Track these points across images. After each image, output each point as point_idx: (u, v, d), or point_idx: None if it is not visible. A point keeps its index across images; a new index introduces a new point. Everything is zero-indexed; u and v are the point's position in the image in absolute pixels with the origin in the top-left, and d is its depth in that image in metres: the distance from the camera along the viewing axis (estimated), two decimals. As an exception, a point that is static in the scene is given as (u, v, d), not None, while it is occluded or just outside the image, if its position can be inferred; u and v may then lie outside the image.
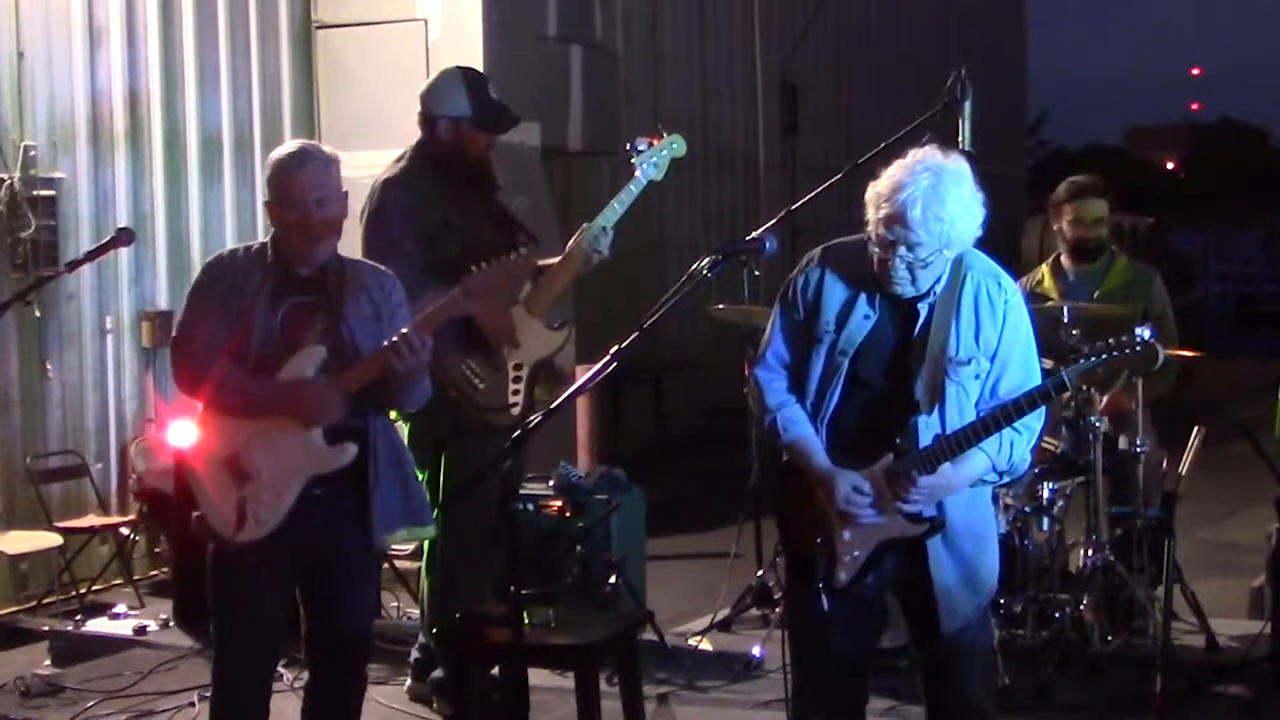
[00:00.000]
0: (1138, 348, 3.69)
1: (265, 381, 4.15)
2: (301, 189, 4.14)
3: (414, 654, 5.74)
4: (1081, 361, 3.73)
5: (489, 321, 5.30)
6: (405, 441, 5.41)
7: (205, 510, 4.21)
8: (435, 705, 5.59)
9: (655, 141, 5.51)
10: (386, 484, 4.27)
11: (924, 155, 3.73)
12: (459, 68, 5.73)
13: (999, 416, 3.73)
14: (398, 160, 5.56)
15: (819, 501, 3.87)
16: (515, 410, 5.43)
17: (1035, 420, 3.82)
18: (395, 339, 4.09)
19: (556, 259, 5.51)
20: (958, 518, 3.85)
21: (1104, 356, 3.71)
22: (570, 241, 5.50)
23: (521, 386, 5.47)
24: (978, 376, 3.81)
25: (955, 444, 3.75)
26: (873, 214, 3.74)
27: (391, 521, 4.30)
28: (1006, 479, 3.99)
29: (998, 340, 3.82)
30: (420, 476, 5.39)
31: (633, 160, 5.50)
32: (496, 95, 5.63)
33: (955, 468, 3.78)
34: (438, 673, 5.57)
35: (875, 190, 3.74)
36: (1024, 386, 3.78)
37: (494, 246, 5.46)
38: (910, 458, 3.77)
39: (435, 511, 5.46)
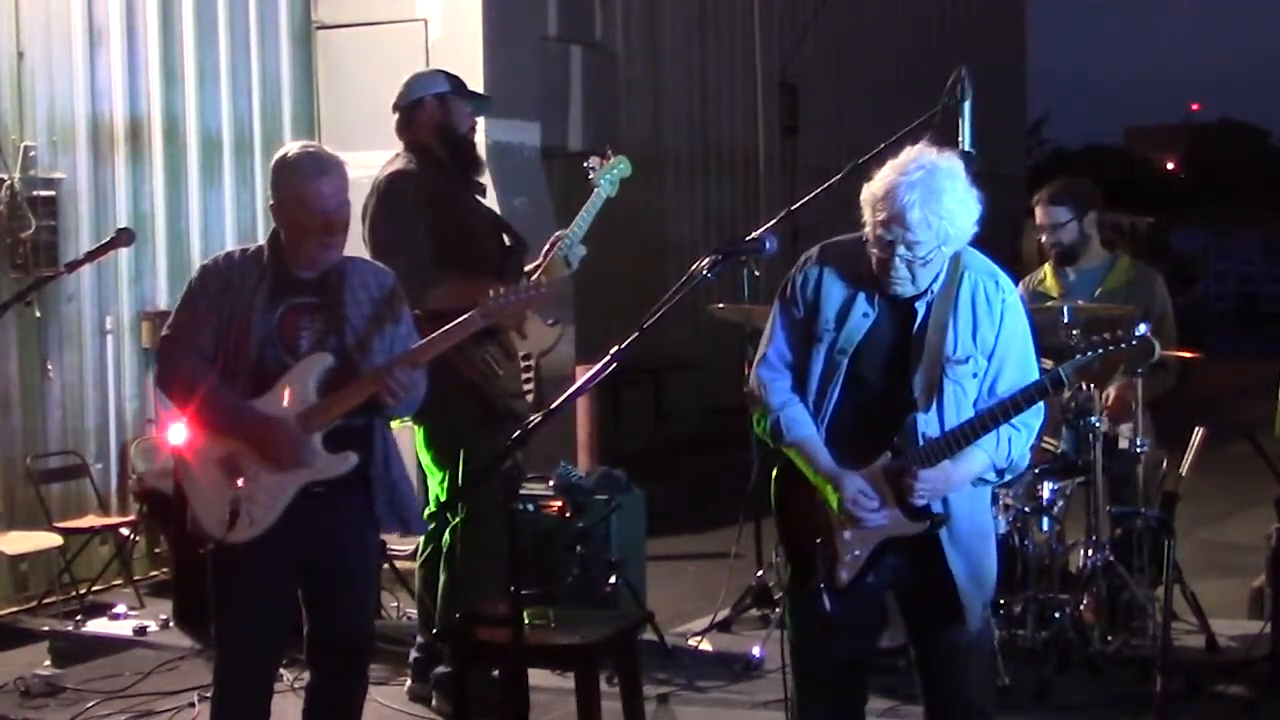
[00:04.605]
0: (1134, 342, 3.70)
1: (240, 410, 4.12)
2: (324, 197, 4.12)
3: (414, 654, 5.74)
4: (1078, 357, 3.74)
5: None
6: (421, 444, 5.47)
7: (197, 509, 4.20)
8: (435, 704, 5.58)
9: (604, 162, 5.70)
10: (385, 485, 4.27)
11: (916, 154, 3.74)
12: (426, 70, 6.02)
13: (996, 413, 3.74)
14: (395, 159, 5.60)
15: (819, 502, 3.87)
16: (530, 398, 5.54)
17: (1033, 418, 3.83)
18: (387, 378, 4.09)
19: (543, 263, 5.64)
20: (963, 517, 3.86)
21: (1100, 352, 3.73)
22: (548, 249, 5.63)
23: (531, 376, 5.59)
24: (975, 375, 3.81)
25: (953, 440, 3.75)
26: (869, 216, 3.74)
27: (390, 521, 4.31)
28: (1007, 477, 4.00)
29: (995, 339, 3.82)
30: (439, 475, 5.43)
31: (590, 178, 5.69)
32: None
33: (955, 464, 3.78)
34: (441, 668, 5.57)
35: (870, 191, 3.75)
36: (1021, 385, 3.78)
37: (489, 247, 5.56)
38: (909, 454, 3.77)
39: (459, 508, 5.48)
